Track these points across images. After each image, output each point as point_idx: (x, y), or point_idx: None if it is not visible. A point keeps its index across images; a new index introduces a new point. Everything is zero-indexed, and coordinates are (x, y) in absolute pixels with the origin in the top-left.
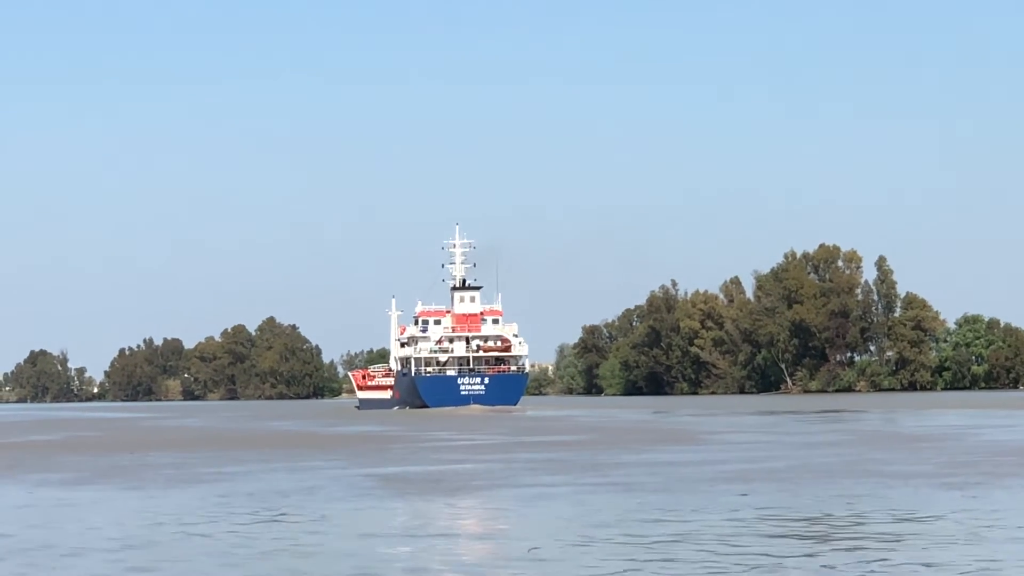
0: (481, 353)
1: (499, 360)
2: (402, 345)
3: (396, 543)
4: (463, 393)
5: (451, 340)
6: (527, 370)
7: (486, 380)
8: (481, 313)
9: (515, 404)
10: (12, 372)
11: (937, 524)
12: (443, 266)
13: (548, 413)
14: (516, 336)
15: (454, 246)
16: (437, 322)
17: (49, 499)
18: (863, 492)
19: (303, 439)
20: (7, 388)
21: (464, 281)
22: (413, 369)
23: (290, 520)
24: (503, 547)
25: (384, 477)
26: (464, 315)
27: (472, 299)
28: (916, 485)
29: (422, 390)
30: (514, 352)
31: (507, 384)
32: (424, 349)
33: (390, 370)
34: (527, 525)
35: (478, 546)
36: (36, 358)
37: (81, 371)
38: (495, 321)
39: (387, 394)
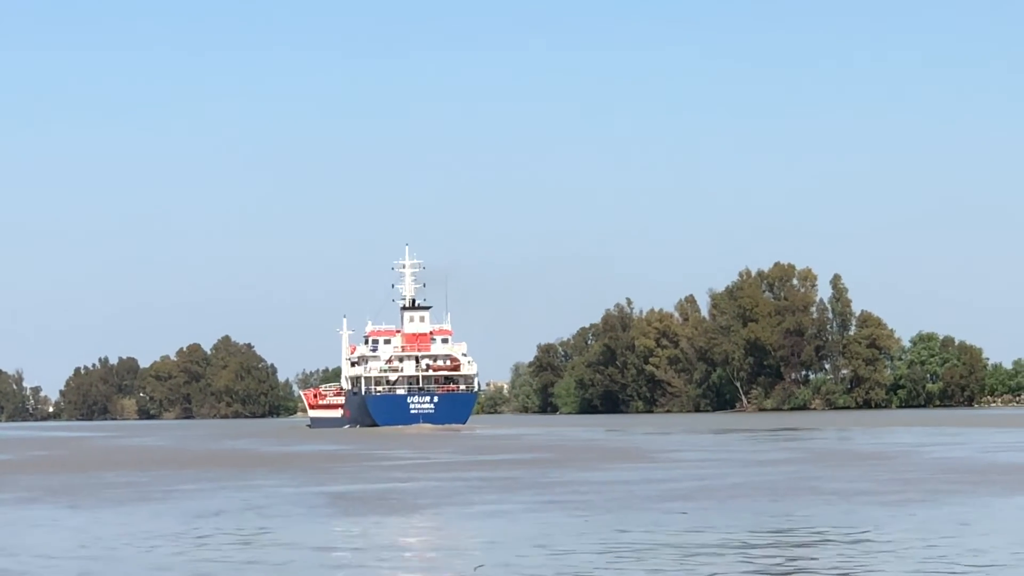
0: (431, 372)
1: (448, 379)
2: (352, 364)
3: (338, 559)
4: (412, 412)
5: (401, 359)
6: (477, 389)
7: (435, 399)
8: (431, 333)
9: (464, 422)
10: None
11: (864, 542)
12: (393, 286)
13: (499, 431)
14: (465, 355)
15: (404, 266)
16: (387, 341)
17: None
18: (800, 509)
19: (254, 459)
20: None
21: (414, 301)
22: (363, 388)
23: (232, 537)
24: (449, 564)
25: (332, 495)
26: (414, 335)
27: (422, 319)
28: (855, 503)
29: (372, 409)
30: (463, 371)
31: (456, 403)
32: (374, 368)
33: (341, 389)
34: (473, 542)
35: (423, 563)
36: None
37: (36, 390)
38: (444, 340)
39: (338, 413)
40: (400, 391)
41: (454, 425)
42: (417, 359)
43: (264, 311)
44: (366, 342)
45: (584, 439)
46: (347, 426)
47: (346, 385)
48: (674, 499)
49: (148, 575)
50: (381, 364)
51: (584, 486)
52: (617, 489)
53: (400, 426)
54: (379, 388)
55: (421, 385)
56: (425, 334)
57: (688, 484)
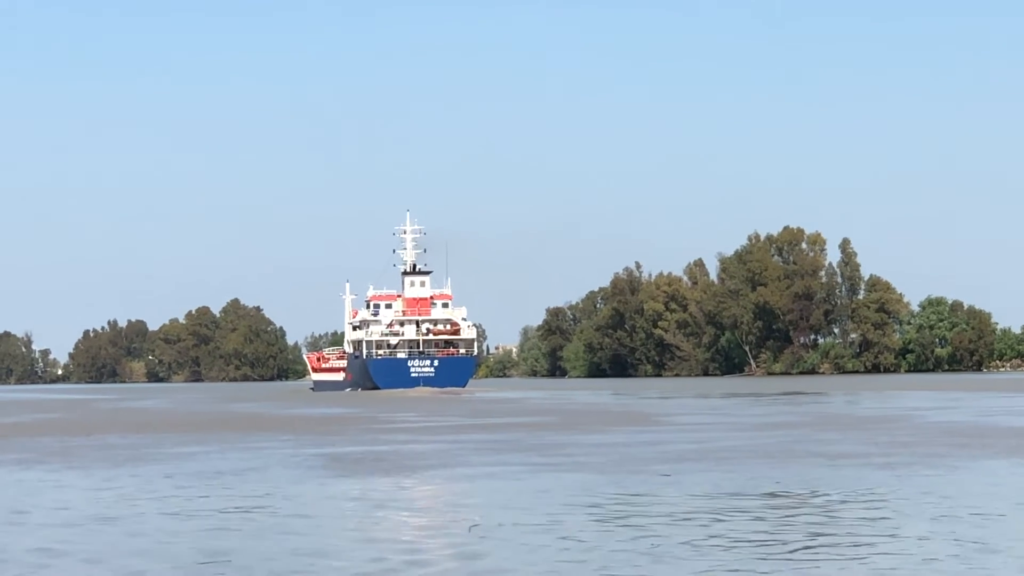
0: (431, 336)
1: (448, 343)
2: (354, 328)
3: (332, 519)
4: (413, 375)
5: (402, 323)
6: (476, 353)
7: (436, 363)
8: (431, 297)
9: (464, 386)
10: None
11: (850, 503)
12: (394, 251)
13: (501, 395)
14: (465, 320)
15: (405, 232)
16: (388, 306)
17: None
18: (789, 472)
19: (255, 421)
20: None
21: (415, 266)
22: (365, 352)
23: (225, 498)
24: (444, 524)
25: (330, 456)
26: (414, 299)
27: (423, 283)
28: (848, 465)
29: (373, 372)
30: (463, 335)
31: (456, 366)
32: (375, 332)
33: (344, 353)
34: (468, 503)
35: (418, 523)
36: (0, 340)
37: (45, 353)
38: (445, 305)
39: (340, 376)
40: (401, 355)
41: (454, 388)
42: (418, 323)
43: (273, 274)
44: (368, 306)
45: (587, 403)
46: (348, 389)
47: (349, 349)
48: (666, 462)
49: (137, 537)
50: (382, 328)
51: (581, 449)
52: (613, 452)
53: (401, 389)
54: (380, 352)
55: (421, 349)
56: (426, 298)
57: (683, 447)
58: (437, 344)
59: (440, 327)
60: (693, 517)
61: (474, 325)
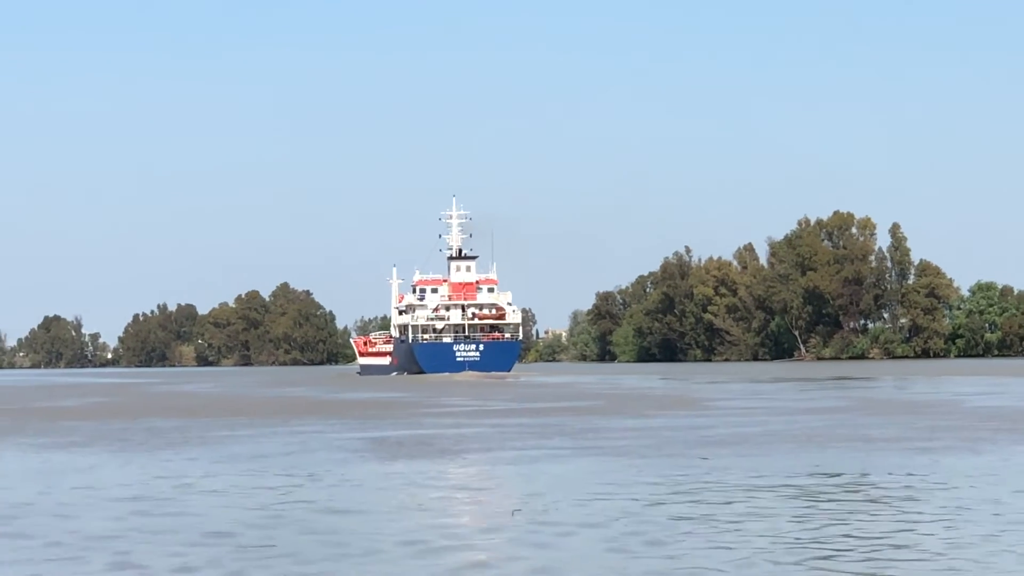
0: (476, 321)
1: (494, 327)
2: (400, 313)
3: (373, 502)
4: (458, 359)
5: (447, 308)
6: (521, 337)
7: (481, 347)
8: (477, 282)
9: (509, 370)
10: (26, 338)
11: (879, 488)
12: (440, 236)
13: (547, 379)
14: (511, 304)
15: (451, 217)
16: (434, 291)
17: (41, 461)
18: (823, 456)
19: (301, 406)
20: (21, 354)
21: (460, 251)
22: (410, 336)
23: (266, 480)
24: (487, 508)
25: (374, 440)
26: (460, 284)
27: (468, 268)
28: (885, 450)
29: (419, 356)
30: (509, 320)
31: (501, 351)
32: (421, 317)
33: (391, 337)
34: (512, 487)
35: (461, 507)
36: (50, 324)
37: (95, 337)
38: (490, 290)
39: (387, 360)
40: (446, 339)
41: (499, 373)
42: (463, 308)
43: (323, 259)
44: (414, 291)
45: (634, 387)
46: (395, 373)
47: (395, 333)
48: (707, 446)
49: (176, 516)
50: (428, 313)
51: (624, 433)
52: (656, 436)
53: (446, 373)
54: (426, 336)
55: (467, 333)
56: (471, 283)
57: (726, 431)
58: (482, 328)
59: (485, 311)
60: (731, 500)
61: (523, 309)
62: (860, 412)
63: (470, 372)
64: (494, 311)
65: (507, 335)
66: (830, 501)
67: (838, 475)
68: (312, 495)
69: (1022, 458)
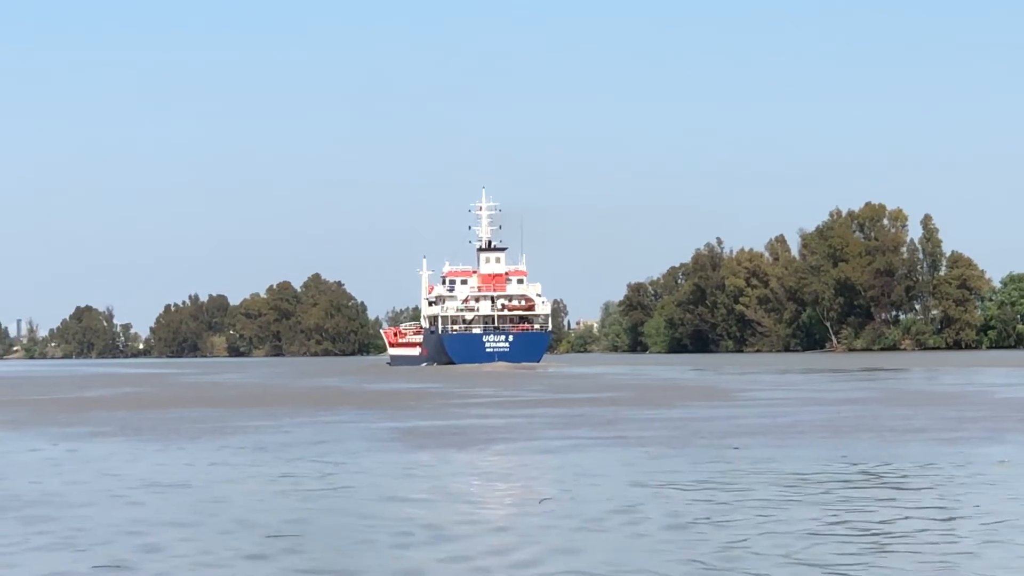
0: (506, 312)
1: (523, 318)
2: (430, 304)
3: (400, 491)
4: (488, 350)
5: (477, 299)
6: (550, 328)
7: (510, 338)
8: (506, 273)
9: (538, 361)
10: (58, 328)
11: (898, 477)
12: (470, 228)
13: (576, 370)
14: (540, 295)
15: (480, 209)
16: (464, 282)
17: (63, 451)
18: (848, 446)
19: (331, 396)
20: (53, 344)
21: (490, 242)
22: (440, 327)
23: (292, 468)
24: (514, 497)
25: (402, 430)
26: (490, 275)
27: (498, 260)
28: (913, 440)
29: (448, 347)
30: (538, 311)
31: (531, 342)
32: (451, 308)
33: (421, 328)
34: (540, 477)
35: (488, 496)
36: (82, 314)
37: (127, 327)
38: (520, 281)
39: (416, 351)
40: (476, 330)
41: (528, 364)
42: (493, 299)
43: (354, 250)
44: (443, 282)
45: (664, 378)
46: (424, 364)
47: (425, 324)
48: (737, 435)
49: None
50: (458, 304)
51: (654, 423)
52: (685, 426)
53: (475, 364)
54: (455, 327)
55: (496, 324)
56: (501, 275)
57: (753, 422)
58: (512, 320)
59: (515, 303)
60: (757, 489)
61: (554, 300)
62: (889, 403)
63: (499, 363)
64: (523, 302)
65: (536, 326)
66: (854, 489)
67: (863, 464)
68: (340, 483)
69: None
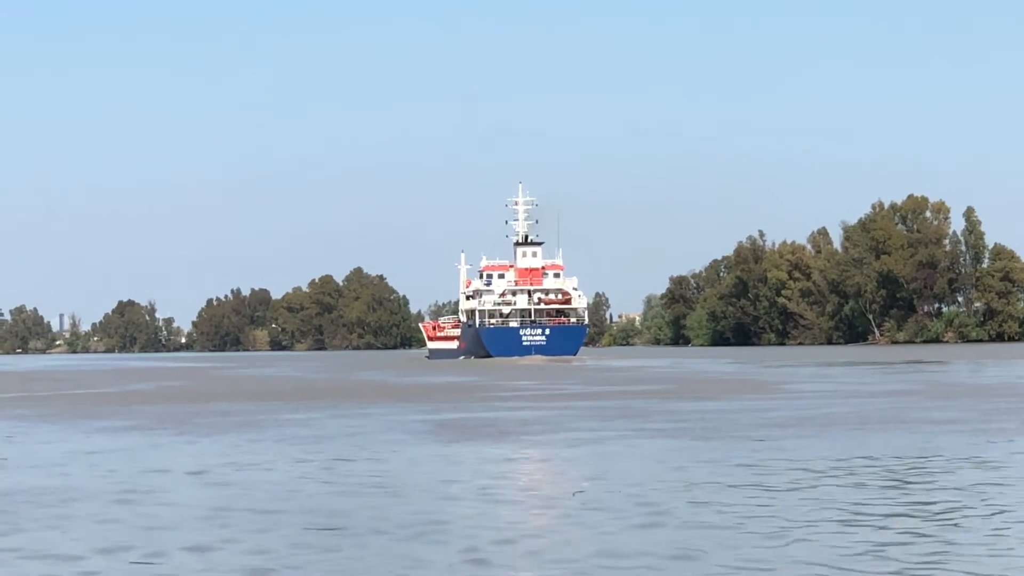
0: (542, 306)
1: (560, 312)
2: (468, 298)
3: (433, 483)
4: (525, 344)
5: (514, 293)
6: (587, 322)
7: (547, 331)
8: (543, 267)
9: (575, 354)
10: (100, 322)
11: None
12: (507, 222)
13: (614, 363)
14: (576, 289)
15: (517, 203)
16: (501, 276)
17: (91, 444)
18: (877, 438)
19: (369, 389)
20: (95, 338)
21: (527, 237)
22: (478, 321)
23: (322, 458)
24: (547, 489)
25: (437, 423)
26: (526, 269)
27: (534, 254)
28: (944, 432)
29: (486, 341)
30: (574, 304)
31: (567, 335)
32: (488, 302)
33: (459, 322)
34: (573, 469)
35: (521, 488)
36: (124, 308)
37: (169, 321)
38: (556, 275)
39: (454, 344)
40: (513, 323)
41: (565, 357)
42: (529, 293)
43: (396, 244)
44: (481, 276)
45: (703, 371)
46: (462, 357)
47: (463, 318)
48: (767, 427)
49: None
50: (495, 298)
51: (689, 415)
52: (720, 419)
53: (513, 357)
54: (493, 320)
55: (533, 318)
56: (537, 269)
57: (787, 414)
58: (548, 313)
59: (551, 296)
60: (776, 481)
61: (596, 294)
62: (925, 395)
63: (536, 356)
64: (560, 296)
65: (573, 320)
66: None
67: (884, 456)
68: (370, 474)
69: None
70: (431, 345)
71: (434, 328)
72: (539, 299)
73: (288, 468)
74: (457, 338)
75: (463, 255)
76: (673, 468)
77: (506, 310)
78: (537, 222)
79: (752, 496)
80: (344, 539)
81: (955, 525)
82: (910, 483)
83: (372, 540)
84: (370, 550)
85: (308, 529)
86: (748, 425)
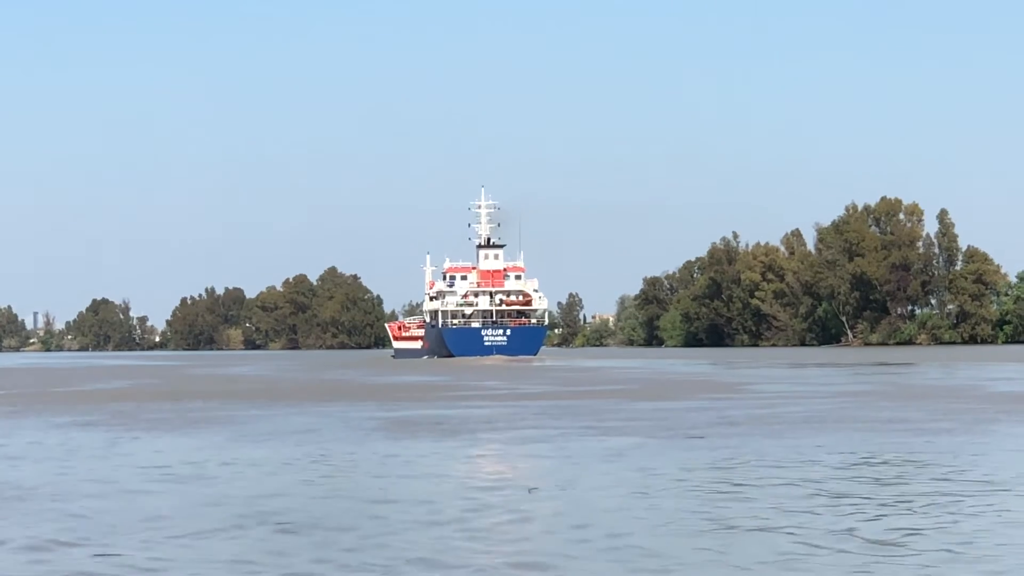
0: (504, 307)
1: (520, 313)
2: (432, 299)
3: (385, 479)
4: (486, 344)
5: (476, 294)
6: (547, 323)
7: (508, 332)
8: (504, 269)
9: (535, 354)
10: (74, 321)
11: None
12: (470, 225)
13: (574, 363)
14: (537, 291)
15: (479, 207)
16: (463, 277)
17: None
18: (825, 438)
19: (333, 389)
20: (69, 337)
21: (489, 239)
22: (440, 321)
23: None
24: (503, 485)
25: (392, 420)
26: (488, 271)
27: (496, 256)
28: (887, 431)
29: (448, 341)
30: (535, 306)
31: (527, 336)
32: (451, 303)
33: (423, 322)
34: (529, 466)
35: (476, 484)
36: (98, 307)
37: (143, 320)
38: (517, 277)
39: (419, 344)
40: (475, 324)
41: (525, 357)
42: (491, 294)
43: (370, 244)
44: (444, 278)
45: (665, 371)
46: (425, 357)
47: (427, 318)
48: (720, 426)
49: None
50: (457, 299)
51: (643, 415)
52: (673, 418)
53: (474, 357)
54: (455, 321)
55: (495, 319)
56: (499, 271)
57: (742, 413)
58: (509, 314)
59: (512, 298)
60: (708, 480)
61: (569, 294)
62: (883, 396)
63: (497, 356)
64: (520, 298)
65: (533, 321)
66: (803, 475)
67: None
68: (324, 471)
69: (1017, 440)
70: (396, 345)
71: (399, 328)
72: (500, 300)
73: (236, 462)
74: (421, 338)
75: (428, 256)
76: (624, 466)
77: (468, 311)
78: (499, 225)
79: (677, 493)
80: (279, 536)
81: (860, 523)
82: (832, 481)
83: (309, 536)
84: (305, 546)
85: (239, 526)
86: (701, 424)
